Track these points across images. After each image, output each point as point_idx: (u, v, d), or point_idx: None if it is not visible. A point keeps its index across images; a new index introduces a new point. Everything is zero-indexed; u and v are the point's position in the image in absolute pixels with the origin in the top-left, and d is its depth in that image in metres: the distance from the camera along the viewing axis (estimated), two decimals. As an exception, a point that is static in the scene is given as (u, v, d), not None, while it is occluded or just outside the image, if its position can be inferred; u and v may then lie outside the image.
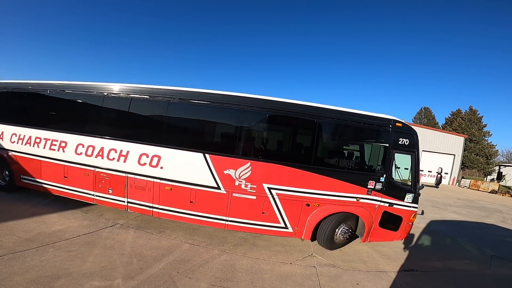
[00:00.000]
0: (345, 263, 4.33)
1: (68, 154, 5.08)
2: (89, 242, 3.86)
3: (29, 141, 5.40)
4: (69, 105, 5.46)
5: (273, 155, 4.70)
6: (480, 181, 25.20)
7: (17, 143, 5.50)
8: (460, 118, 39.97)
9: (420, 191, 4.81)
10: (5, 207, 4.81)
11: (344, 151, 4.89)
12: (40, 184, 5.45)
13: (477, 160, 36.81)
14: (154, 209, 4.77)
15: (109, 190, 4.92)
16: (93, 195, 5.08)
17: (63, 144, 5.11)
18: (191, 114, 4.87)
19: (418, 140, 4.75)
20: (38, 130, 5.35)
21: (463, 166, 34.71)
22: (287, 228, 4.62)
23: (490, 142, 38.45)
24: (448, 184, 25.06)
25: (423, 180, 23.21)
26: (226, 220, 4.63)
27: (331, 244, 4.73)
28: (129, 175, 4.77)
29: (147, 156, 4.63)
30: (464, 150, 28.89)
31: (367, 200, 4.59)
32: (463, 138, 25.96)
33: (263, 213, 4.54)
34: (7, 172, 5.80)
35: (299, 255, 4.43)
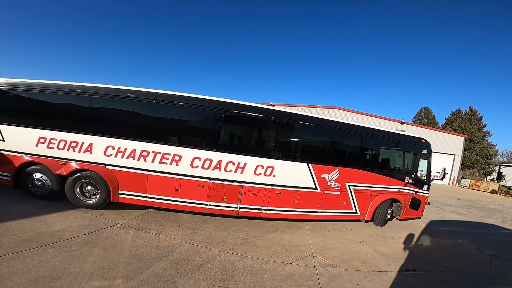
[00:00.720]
0: (345, 263, 4.33)
1: (183, 167, 5.25)
2: (89, 242, 3.85)
3: (132, 155, 5.18)
4: (189, 119, 5.59)
5: (352, 162, 6.31)
6: (480, 181, 25.19)
7: (116, 156, 5.17)
8: (460, 118, 39.98)
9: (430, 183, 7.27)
10: (5, 207, 4.80)
11: (393, 158, 6.98)
12: (144, 199, 5.33)
13: (477, 160, 36.82)
14: (263, 211, 5.67)
15: (223, 199, 5.45)
16: (206, 204, 5.44)
17: (176, 158, 5.22)
18: (299, 133, 6.04)
19: (431, 150, 7.18)
20: (144, 143, 5.17)
21: (463, 166, 34.72)
22: (357, 213, 6.46)
23: (490, 142, 38.49)
24: (448, 184, 25.06)
25: None
26: (317, 212, 6.07)
27: (383, 222, 6.87)
28: (244, 184, 5.45)
29: (262, 167, 5.48)
30: (464, 150, 28.90)
31: (404, 190, 6.85)
32: (463, 138, 25.95)
33: (343, 203, 6.23)
34: (99, 188, 5.28)
35: (299, 255, 4.43)
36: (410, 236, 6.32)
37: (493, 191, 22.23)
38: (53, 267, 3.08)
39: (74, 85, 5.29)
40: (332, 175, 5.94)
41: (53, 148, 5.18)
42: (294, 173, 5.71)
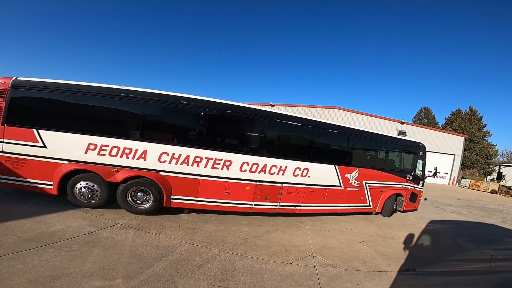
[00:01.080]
0: (345, 263, 4.33)
1: (233, 172, 5.66)
2: (89, 242, 3.85)
3: (186, 161, 5.35)
4: (239, 127, 6.01)
5: (369, 164, 7.50)
6: (480, 181, 25.17)
7: (170, 162, 5.29)
8: (460, 118, 39.96)
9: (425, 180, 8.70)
10: (5, 207, 4.80)
11: (398, 160, 8.15)
12: (195, 202, 5.59)
13: (477, 160, 36.79)
14: (298, 207, 6.44)
15: (266, 198, 6.04)
16: (251, 204, 5.94)
17: (227, 163, 5.60)
18: (329, 140, 6.93)
19: (426, 151, 8.51)
20: (198, 150, 5.40)
21: (463, 166, 34.70)
22: (370, 206, 7.58)
23: (490, 142, 38.44)
24: (448, 184, 25.05)
25: None
26: (340, 206, 7.08)
27: (390, 213, 8.04)
28: (284, 185, 6.12)
29: (300, 169, 6.23)
30: (464, 150, 28.88)
31: (406, 185, 8.08)
32: (463, 138, 25.94)
33: (360, 198, 7.32)
34: (151, 194, 5.34)
35: (299, 255, 4.43)
36: (410, 236, 6.32)
37: (493, 191, 22.22)
38: (53, 267, 3.08)
39: (126, 89, 5.19)
40: (353, 174, 7.02)
41: (104, 155, 5.07)
42: (324, 174, 6.61)
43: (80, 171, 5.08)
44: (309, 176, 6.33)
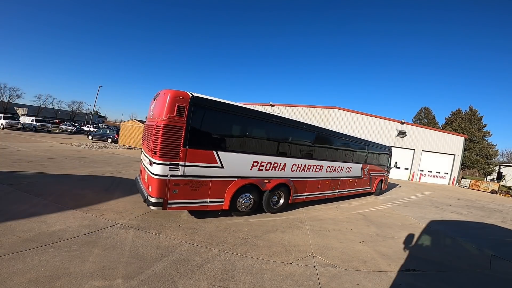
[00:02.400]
0: (345, 263, 4.33)
1: (322, 173, 8.28)
2: (89, 242, 3.85)
3: (304, 168, 7.43)
4: (329, 145, 8.80)
5: (372, 161, 11.50)
6: (480, 181, 25.17)
7: (296, 171, 7.16)
8: (460, 118, 39.98)
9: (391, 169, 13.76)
10: (5, 207, 4.80)
11: (383, 158, 12.70)
12: (302, 197, 7.71)
13: (477, 160, 36.81)
14: (345, 192, 9.86)
15: (333, 188, 9.09)
16: (326, 193, 8.85)
17: (321, 167, 8.19)
18: (360, 150, 10.61)
19: (392, 151, 13.82)
20: (311, 161, 7.71)
21: (463, 166, 34.71)
22: (371, 188, 11.75)
23: (490, 142, 38.49)
24: (448, 184, 25.05)
25: (423, 179, 25.31)
26: (359, 189, 10.87)
27: (380, 192, 12.67)
28: (341, 178, 9.37)
29: (349, 168, 9.77)
30: (464, 150, 28.90)
31: (386, 174, 13.13)
32: (463, 138, 25.93)
33: (367, 183, 11.37)
34: (282, 196, 6.99)
35: (299, 255, 4.43)
36: (410, 236, 6.32)
37: (493, 191, 22.23)
38: (53, 267, 3.08)
39: (287, 118, 6.91)
40: (367, 169, 11.03)
41: (262, 170, 6.17)
42: (357, 170, 10.32)
43: (246, 185, 5.91)
44: (351, 172, 9.88)
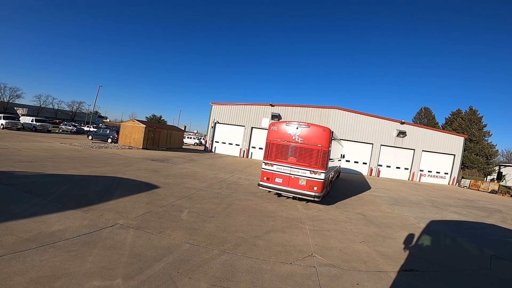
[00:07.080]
0: (345, 263, 4.33)
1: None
2: (89, 242, 3.85)
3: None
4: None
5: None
6: (480, 181, 25.16)
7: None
8: (460, 118, 39.95)
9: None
10: (5, 207, 4.80)
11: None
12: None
13: (477, 160, 36.79)
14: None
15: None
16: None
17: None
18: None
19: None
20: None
21: (463, 166, 34.70)
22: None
23: (490, 142, 38.46)
24: (448, 184, 25.04)
25: (423, 179, 25.39)
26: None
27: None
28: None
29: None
30: (464, 150, 28.86)
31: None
32: (463, 138, 25.90)
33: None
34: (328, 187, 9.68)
35: (299, 255, 4.43)
36: (410, 236, 6.32)
37: (493, 191, 22.22)
38: (53, 267, 3.08)
39: None
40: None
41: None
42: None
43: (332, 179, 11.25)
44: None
